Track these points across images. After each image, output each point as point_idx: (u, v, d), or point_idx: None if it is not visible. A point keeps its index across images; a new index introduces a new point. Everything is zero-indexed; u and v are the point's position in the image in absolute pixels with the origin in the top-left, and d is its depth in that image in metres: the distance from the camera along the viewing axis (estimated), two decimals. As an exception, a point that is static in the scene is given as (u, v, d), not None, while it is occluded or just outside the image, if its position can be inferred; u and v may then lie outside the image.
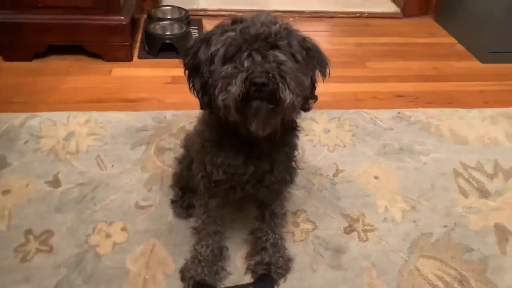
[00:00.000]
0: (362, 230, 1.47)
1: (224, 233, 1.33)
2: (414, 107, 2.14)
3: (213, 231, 1.26)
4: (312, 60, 1.01)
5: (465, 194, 1.64)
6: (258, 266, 1.29)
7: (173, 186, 1.53)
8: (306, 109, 1.05)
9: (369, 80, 2.37)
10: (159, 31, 2.50)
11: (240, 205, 1.43)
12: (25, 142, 1.73)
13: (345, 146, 1.84)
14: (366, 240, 1.43)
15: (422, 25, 3.06)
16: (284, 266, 1.30)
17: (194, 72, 1.01)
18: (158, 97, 2.10)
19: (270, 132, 0.98)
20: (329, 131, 1.93)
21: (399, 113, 2.07)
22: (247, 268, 1.32)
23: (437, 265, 1.37)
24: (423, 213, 1.55)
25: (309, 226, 1.47)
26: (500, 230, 1.50)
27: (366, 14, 3.14)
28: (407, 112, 2.08)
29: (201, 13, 2.96)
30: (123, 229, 1.41)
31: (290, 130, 1.12)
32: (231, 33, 0.95)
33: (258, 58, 0.91)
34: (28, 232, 1.38)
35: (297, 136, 1.16)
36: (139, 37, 2.59)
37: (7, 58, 2.27)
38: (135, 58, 2.41)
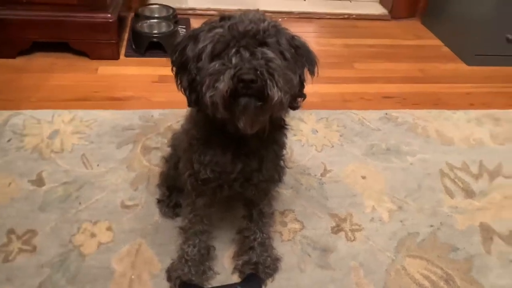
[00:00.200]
0: (349, 229, 1.47)
1: (212, 232, 1.32)
2: (401, 108, 2.15)
3: (200, 230, 1.25)
4: (301, 58, 1.01)
5: (451, 194, 1.66)
6: (245, 265, 1.28)
7: (160, 185, 1.51)
8: (294, 107, 1.05)
9: (357, 81, 2.38)
10: (146, 30, 2.48)
11: (227, 204, 1.43)
12: (8, 140, 1.69)
13: (333, 146, 1.85)
14: (353, 240, 1.44)
15: (409, 27, 3.08)
16: (271, 265, 1.29)
17: (181, 69, 1.00)
18: (145, 95, 2.08)
19: (258, 129, 0.98)
20: (317, 131, 1.93)
21: (386, 114, 2.08)
22: (235, 268, 1.30)
23: (424, 264, 1.38)
24: (409, 213, 1.56)
25: (296, 225, 1.47)
26: (485, 229, 1.52)
27: (354, 16, 3.15)
28: (394, 113, 2.09)
29: (189, 12, 2.95)
30: (109, 228, 1.39)
31: (278, 128, 1.11)
32: (219, 30, 0.94)
33: (246, 54, 0.91)
34: (11, 231, 1.35)
35: (285, 135, 1.16)
36: (126, 36, 2.56)
37: (-10, 55, 2.22)
38: (121, 56, 2.38)
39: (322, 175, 1.69)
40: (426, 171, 1.75)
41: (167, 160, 1.46)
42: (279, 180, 1.22)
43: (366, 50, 2.73)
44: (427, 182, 1.70)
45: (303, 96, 1.06)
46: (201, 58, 0.95)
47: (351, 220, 1.51)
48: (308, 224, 1.47)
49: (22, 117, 1.82)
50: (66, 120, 1.84)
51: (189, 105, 1.02)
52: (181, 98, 1.03)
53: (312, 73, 1.04)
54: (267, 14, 1.00)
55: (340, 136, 1.91)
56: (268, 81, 0.89)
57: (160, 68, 2.27)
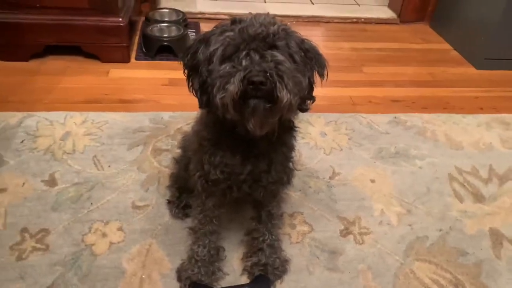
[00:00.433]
0: (358, 233, 1.47)
1: (221, 233, 1.33)
2: (410, 112, 2.15)
3: (210, 231, 1.26)
4: (310, 61, 1.02)
5: (460, 198, 1.65)
6: (254, 267, 1.29)
7: (170, 186, 1.53)
8: (303, 109, 1.06)
9: (365, 85, 2.38)
10: (156, 33, 2.50)
11: (236, 206, 1.44)
12: (22, 141, 1.72)
13: (341, 150, 1.85)
14: (362, 243, 1.44)
15: (418, 31, 3.08)
16: (280, 267, 1.30)
17: (193, 71, 1.02)
18: (155, 98, 2.11)
19: (267, 131, 0.99)
20: (325, 134, 1.94)
21: (395, 117, 2.08)
22: (244, 269, 1.31)
23: (433, 268, 1.38)
24: (418, 216, 1.56)
25: (305, 228, 1.47)
26: (494, 234, 1.51)
27: (362, 20, 3.16)
28: (403, 116, 2.09)
29: (199, 16, 2.98)
30: (119, 228, 1.41)
31: (287, 130, 1.12)
32: (229, 33, 0.96)
33: (256, 57, 0.92)
34: (24, 230, 1.37)
35: (294, 137, 1.17)
36: (136, 39, 2.60)
37: (4, 58, 2.26)
38: (132, 59, 2.41)
39: (330, 178, 1.69)
40: (435, 175, 1.75)
41: (178, 161, 1.48)
42: (288, 182, 1.23)
43: (375, 53, 2.74)
44: (436, 186, 1.69)
45: (312, 98, 1.07)
46: (212, 61, 0.96)
47: (359, 223, 1.51)
48: (316, 226, 1.48)
49: (35, 119, 1.85)
50: (78, 122, 1.86)
51: (200, 106, 1.03)
52: (191, 100, 1.04)
53: (322, 75, 1.05)
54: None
55: (349, 139, 1.91)
56: (278, 83, 0.90)
57: (170, 72, 2.29)
